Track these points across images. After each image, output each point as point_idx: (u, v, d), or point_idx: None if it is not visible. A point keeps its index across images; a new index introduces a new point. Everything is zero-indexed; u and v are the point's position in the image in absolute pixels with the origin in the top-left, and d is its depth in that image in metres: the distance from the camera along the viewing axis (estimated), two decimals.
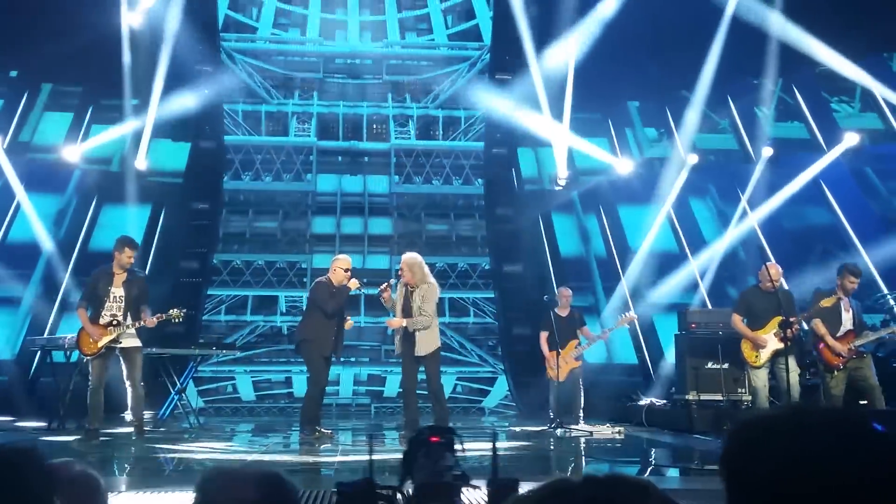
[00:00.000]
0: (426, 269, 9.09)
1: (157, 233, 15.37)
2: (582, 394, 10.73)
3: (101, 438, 8.50)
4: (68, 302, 13.80)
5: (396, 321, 8.86)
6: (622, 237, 16.18)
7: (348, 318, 9.17)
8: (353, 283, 9.13)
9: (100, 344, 8.53)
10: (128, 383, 8.69)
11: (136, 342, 8.75)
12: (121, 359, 8.67)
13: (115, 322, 8.58)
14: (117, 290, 8.68)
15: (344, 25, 19.67)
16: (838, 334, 8.44)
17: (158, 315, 8.72)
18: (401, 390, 9.81)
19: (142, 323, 8.64)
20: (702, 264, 15.02)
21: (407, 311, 8.94)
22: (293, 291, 16.59)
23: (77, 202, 15.42)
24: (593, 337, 10.91)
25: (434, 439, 2.89)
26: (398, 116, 18.81)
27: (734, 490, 1.22)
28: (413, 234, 16.97)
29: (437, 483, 2.86)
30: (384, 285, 9.14)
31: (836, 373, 8.36)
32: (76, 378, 9.75)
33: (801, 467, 1.14)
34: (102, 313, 8.63)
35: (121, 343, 8.61)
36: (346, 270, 9.18)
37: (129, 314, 8.64)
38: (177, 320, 9.12)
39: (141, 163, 14.06)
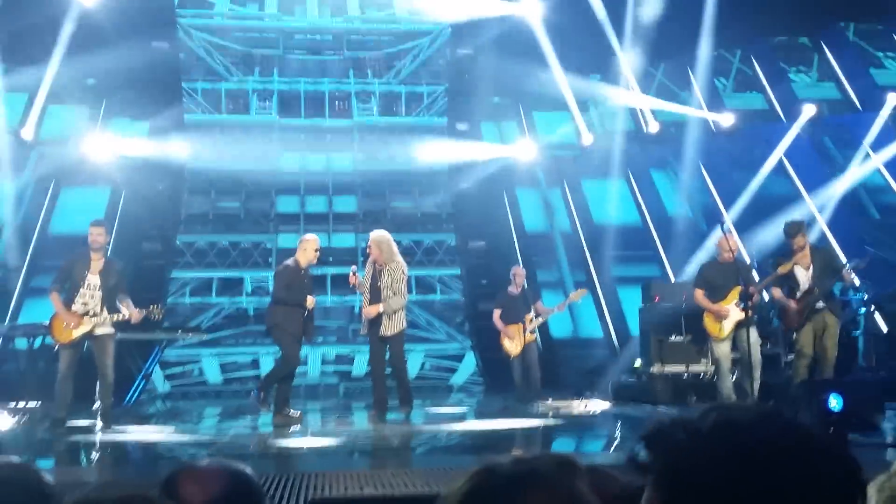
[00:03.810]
0: (394, 247, 9.03)
1: (118, 215, 15.15)
2: (538, 367, 10.85)
3: (68, 426, 8.41)
4: (29, 287, 13.60)
5: (373, 309, 8.80)
6: (586, 211, 16.29)
7: (309, 296, 9.04)
8: (311, 302, 8.99)
9: (75, 333, 8.33)
10: (99, 370, 8.55)
11: (109, 329, 8.56)
12: (92, 346, 8.52)
13: (92, 313, 8.41)
14: (93, 278, 8.42)
15: (303, 0, 19.42)
16: (798, 296, 8.48)
17: (141, 310, 8.56)
18: (368, 370, 9.83)
19: (123, 316, 8.48)
20: (665, 237, 15.20)
21: (375, 291, 8.89)
22: (259, 272, 16.49)
23: (35, 185, 15.16)
24: (545, 312, 11.05)
25: None
26: (360, 93, 18.67)
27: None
28: (378, 212, 16.92)
29: None
30: (351, 273, 9.10)
31: (802, 330, 8.33)
32: (41, 364, 9.61)
33: (731, 473, 1.10)
34: (75, 299, 8.45)
35: (95, 331, 8.44)
36: (315, 251, 9.10)
37: (104, 304, 8.49)
38: (157, 317, 8.95)
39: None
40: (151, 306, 8.68)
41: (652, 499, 1.15)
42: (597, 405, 10.58)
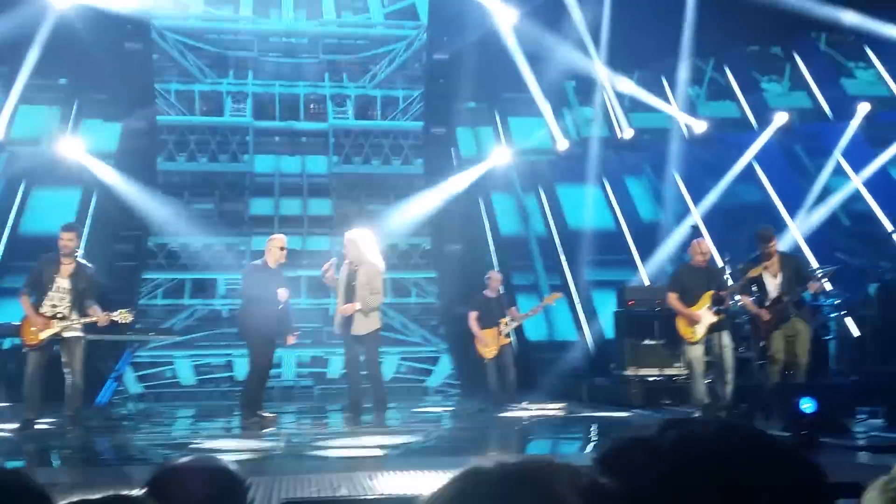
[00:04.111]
0: (371, 247, 8.92)
1: (90, 216, 15.00)
2: (513, 370, 10.87)
3: (37, 428, 8.31)
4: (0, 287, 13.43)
5: (349, 307, 8.72)
6: (561, 216, 16.37)
7: (281, 289, 8.95)
8: (283, 294, 8.92)
9: (41, 336, 8.25)
10: (66, 372, 8.46)
11: (78, 332, 8.50)
12: (61, 349, 8.44)
13: (60, 316, 8.31)
14: (63, 282, 8.35)
15: (278, 3, 19.34)
16: (766, 303, 8.57)
17: (108, 313, 8.48)
18: (344, 371, 9.78)
19: (90, 318, 8.39)
20: (639, 242, 15.33)
21: (350, 290, 8.78)
22: (232, 274, 16.36)
23: (4, 185, 14.98)
24: (519, 316, 11.10)
25: None
26: (336, 96, 18.63)
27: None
28: (353, 215, 16.86)
29: None
30: (327, 264, 9.03)
31: (772, 336, 8.40)
32: (12, 367, 9.48)
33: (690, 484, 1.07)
34: (43, 302, 8.36)
35: (63, 333, 8.36)
36: (281, 248, 9.02)
37: (73, 308, 8.39)
38: (124, 321, 8.85)
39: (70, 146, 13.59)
40: (119, 311, 8.60)
41: None
42: (571, 407, 10.63)
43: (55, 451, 7.50)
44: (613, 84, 15.46)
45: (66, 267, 8.39)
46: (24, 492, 1.37)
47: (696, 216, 14.55)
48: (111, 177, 14.83)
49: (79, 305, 8.37)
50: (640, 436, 1.18)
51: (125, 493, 1.39)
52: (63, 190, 14.97)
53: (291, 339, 9.17)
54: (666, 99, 16.28)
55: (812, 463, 1.14)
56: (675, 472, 1.09)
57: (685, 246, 9.73)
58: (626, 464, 1.14)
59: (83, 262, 8.60)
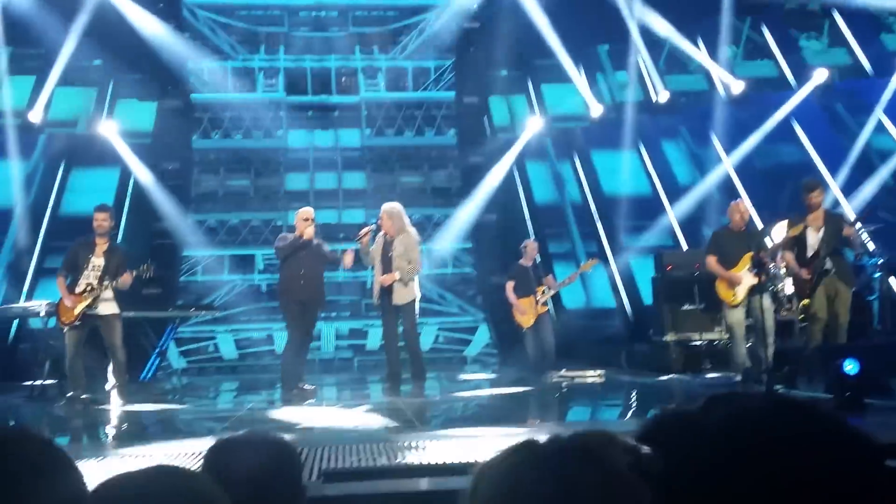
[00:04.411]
0: (406, 218, 9.10)
1: (128, 195, 15.19)
2: (552, 338, 10.88)
3: (84, 404, 8.49)
4: (42, 268, 13.68)
5: (388, 277, 8.82)
6: (596, 182, 16.22)
7: (345, 253, 9.08)
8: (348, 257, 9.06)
9: (75, 311, 8.50)
10: (108, 349, 8.69)
11: (115, 309, 8.71)
12: (101, 328, 8.66)
13: (89, 288, 8.54)
14: (97, 260, 8.64)
15: None
16: (807, 258, 8.42)
17: (130, 271, 8.69)
18: (382, 343, 9.86)
19: (115, 284, 8.59)
20: (677, 206, 15.14)
21: (387, 261, 8.92)
22: (269, 249, 16.49)
23: (45, 167, 15.19)
24: (556, 285, 11.08)
25: None
26: (367, 68, 18.56)
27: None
28: (387, 187, 16.87)
29: None
30: (365, 229, 9.11)
31: (815, 294, 8.24)
32: (54, 343, 9.67)
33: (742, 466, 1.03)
34: (79, 281, 8.60)
35: (98, 310, 8.57)
36: (305, 220, 9.13)
37: (104, 282, 8.57)
38: (147, 275, 9.03)
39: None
40: (141, 266, 8.81)
41: (660, 501, 1.06)
42: (610, 374, 10.60)
43: (101, 425, 7.65)
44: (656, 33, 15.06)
45: (101, 247, 8.63)
46: (51, 461, 1.38)
47: (734, 179, 14.34)
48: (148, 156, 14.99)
49: (111, 280, 8.57)
50: (685, 411, 1.15)
51: (172, 464, 1.39)
52: (102, 170, 15.14)
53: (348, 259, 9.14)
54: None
55: (868, 438, 1.08)
56: (724, 453, 1.05)
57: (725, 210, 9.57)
58: (668, 440, 1.12)
59: (117, 243, 8.82)
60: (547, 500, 1.02)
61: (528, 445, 1.08)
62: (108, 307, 8.65)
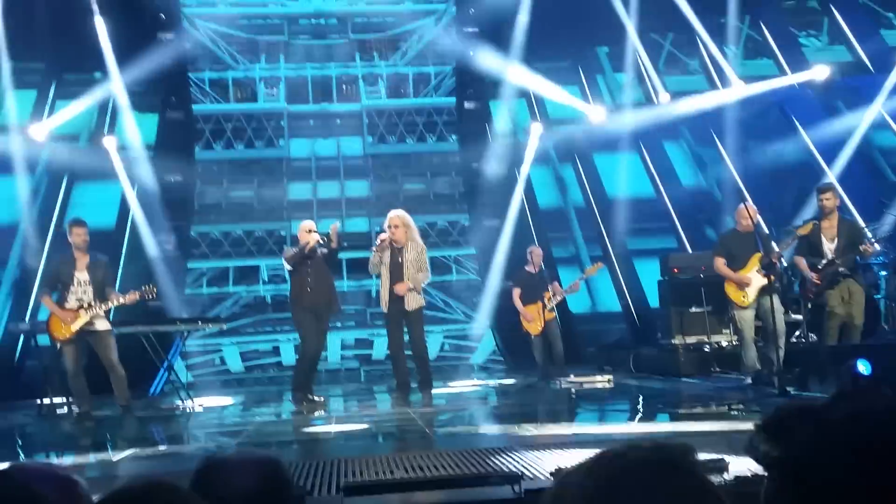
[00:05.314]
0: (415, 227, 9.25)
1: (131, 210, 15.16)
2: (560, 343, 10.87)
3: (92, 420, 8.49)
4: None
5: (403, 285, 8.87)
6: (599, 185, 16.20)
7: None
8: (313, 238, 9.08)
9: (73, 328, 8.50)
10: (106, 367, 8.68)
11: (106, 325, 8.77)
12: (93, 344, 8.65)
13: (86, 305, 8.53)
14: (81, 275, 8.64)
15: None
16: (819, 266, 8.43)
17: (132, 292, 8.69)
18: (388, 352, 9.87)
19: (115, 302, 8.61)
20: (680, 208, 15.12)
21: (396, 268, 8.97)
22: (274, 260, 16.50)
23: (48, 181, 15.18)
24: (562, 291, 11.06)
25: None
26: (367, 76, 18.57)
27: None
28: (390, 195, 16.87)
29: None
30: (384, 235, 9.11)
31: (829, 293, 8.26)
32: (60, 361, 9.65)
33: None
34: (68, 298, 8.59)
35: (93, 327, 8.58)
36: (308, 231, 9.17)
37: (97, 297, 8.60)
38: (150, 297, 9.06)
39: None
40: (144, 286, 8.83)
41: (774, 492, 1.09)
42: (618, 378, 10.57)
43: (111, 441, 7.63)
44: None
45: (82, 261, 8.64)
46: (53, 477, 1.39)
47: (737, 180, 14.31)
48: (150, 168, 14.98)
49: (101, 294, 8.62)
50: (809, 405, 1.16)
51: (165, 480, 1.39)
52: (105, 184, 15.13)
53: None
54: (701, 60, 15.97)
55: None
56: (847, 447, 1.05)
57: (729, 211, 9.58)
58: (789, 432, 1.12)
59: (97, 254, 8.83)
60: None
61: (614, 455, 1.08)
62: (100, 323, 8.70)
